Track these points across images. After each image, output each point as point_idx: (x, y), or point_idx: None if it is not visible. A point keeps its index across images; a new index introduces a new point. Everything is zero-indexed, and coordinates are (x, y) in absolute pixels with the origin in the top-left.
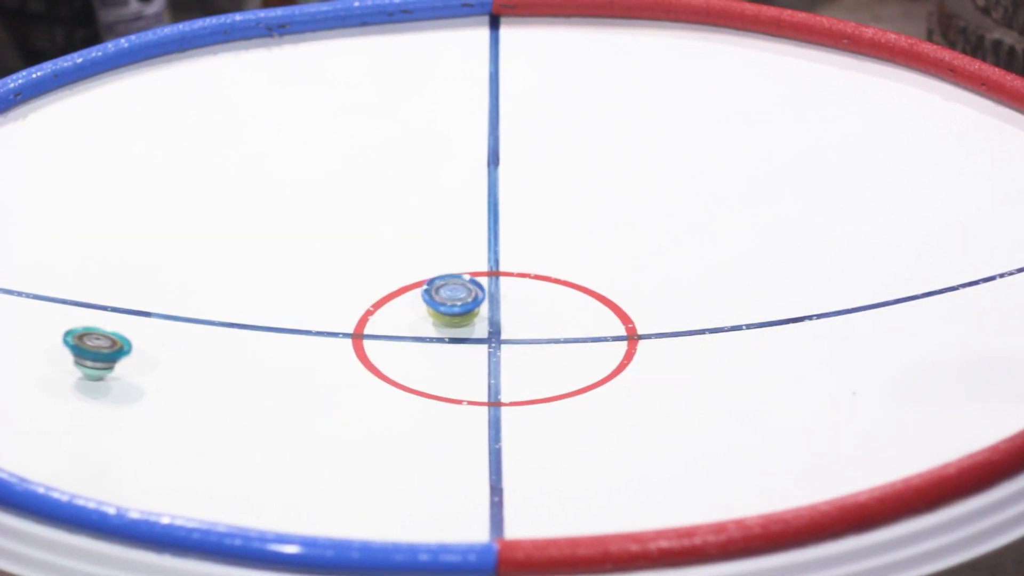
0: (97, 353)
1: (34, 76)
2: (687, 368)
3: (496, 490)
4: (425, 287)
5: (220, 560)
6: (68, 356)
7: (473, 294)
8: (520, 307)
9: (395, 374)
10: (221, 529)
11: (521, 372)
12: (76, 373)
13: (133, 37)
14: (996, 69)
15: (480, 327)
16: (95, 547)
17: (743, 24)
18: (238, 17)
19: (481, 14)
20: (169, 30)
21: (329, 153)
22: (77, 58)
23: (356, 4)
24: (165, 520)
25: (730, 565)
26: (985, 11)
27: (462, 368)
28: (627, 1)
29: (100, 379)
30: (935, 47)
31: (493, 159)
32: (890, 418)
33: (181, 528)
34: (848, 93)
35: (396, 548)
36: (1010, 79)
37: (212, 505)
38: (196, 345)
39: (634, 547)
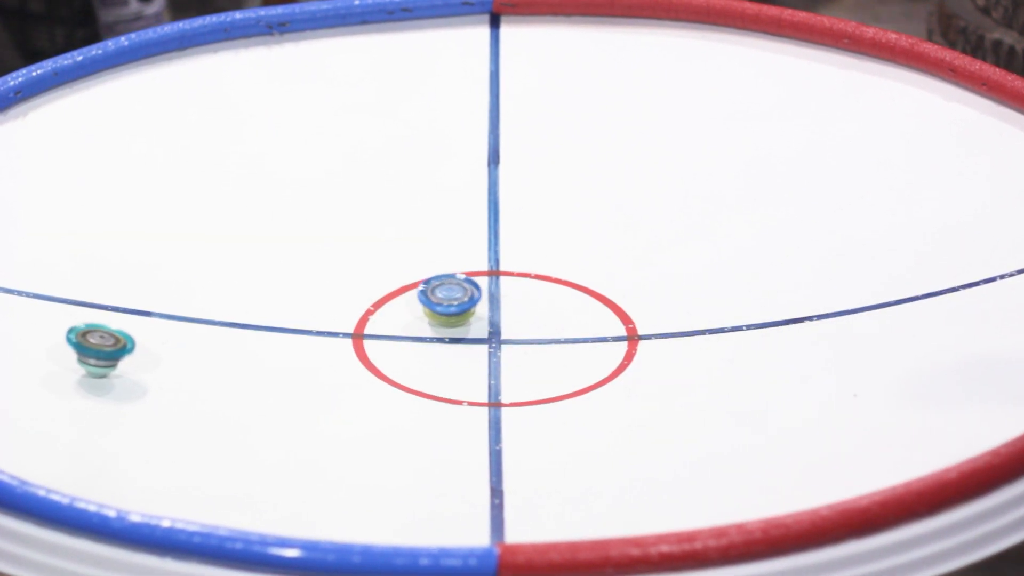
0: (100, 351)
1: (34, 74)
2: (688, 368)
3: (496, 492)
4: (421, 287)
5: (221, 564)
6: (70, 355)
7: (469, 293)
8: (520, 307)
9: (395, 374)
10: (222, 533)
11: (521, 373)
12: (78, 371)
13: (133, 35)
14: (997, 69)
15: (480, 327)
16: (96, 550)
17: (743, 23)
18: (238, 15)
19: (481, 13)
20: (169, 28)
21: (329, 152)
22: (77, 56)
23: (356, 2)
24: (166, 523)
25: (731, 569)
26: (985, 11)
27: (462, 368)
28: (627, 0)
29: (103, 376)
30: (936, 47)
31: (493, 158)
32: (891, 419)
33: (182, 532)
34: (848, 93)
35: (397, 552)
36: (1011, 79)
37: (212, 504)
38: (197, 345)
39: (635, 551)
